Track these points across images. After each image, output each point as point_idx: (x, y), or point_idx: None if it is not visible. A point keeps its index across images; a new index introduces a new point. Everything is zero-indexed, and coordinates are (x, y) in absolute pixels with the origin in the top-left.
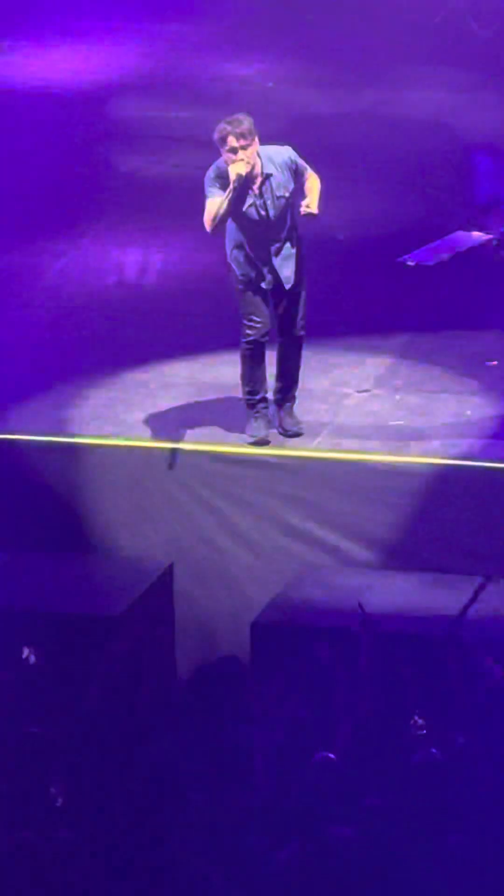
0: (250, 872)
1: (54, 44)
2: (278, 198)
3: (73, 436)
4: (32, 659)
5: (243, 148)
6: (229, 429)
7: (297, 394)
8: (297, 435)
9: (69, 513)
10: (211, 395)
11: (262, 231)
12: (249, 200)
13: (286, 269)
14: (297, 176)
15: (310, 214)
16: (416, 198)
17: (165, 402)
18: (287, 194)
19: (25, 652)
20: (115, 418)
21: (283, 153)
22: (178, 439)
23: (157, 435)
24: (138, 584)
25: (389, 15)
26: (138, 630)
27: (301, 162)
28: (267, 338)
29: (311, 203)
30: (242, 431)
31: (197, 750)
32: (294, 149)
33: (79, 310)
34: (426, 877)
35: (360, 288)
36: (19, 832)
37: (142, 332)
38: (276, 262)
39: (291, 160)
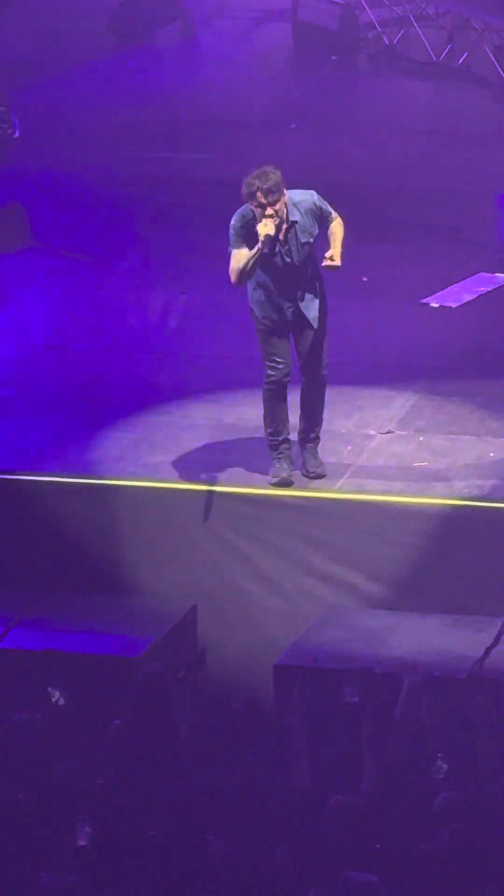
0: None
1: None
2: (303, 244)
3: (97, 477)
4: (62, 701)
5: (271, 204)
6: (252, 470)
7: (320, 434)
8: (321, 476)
9: (93, 554)
10: (234, 436)
11: (286, 276)
12: (275, 248)
13: (311, 310)
14: (322, 220)
15: (332, 267)
16: (440, 240)
17: (189, 444)
18: (311, 240)
19: (55, 695)
20: (139, 459)
21: (308, 198)
22: (201, 481)
23: (180, 476)
24: (161, 626)
25: None
26: (161, 672)
27: (326, 206)
28: (289, 378)
29: (334, 255)
30: (265, 473)
31: (218, 792)
32: (318, 192)
33: (102, 351)
34: None
35: (383, 329)
36: (43, 873)
37: (165, 373)
38: (302, 305)
39: (316, 205)
